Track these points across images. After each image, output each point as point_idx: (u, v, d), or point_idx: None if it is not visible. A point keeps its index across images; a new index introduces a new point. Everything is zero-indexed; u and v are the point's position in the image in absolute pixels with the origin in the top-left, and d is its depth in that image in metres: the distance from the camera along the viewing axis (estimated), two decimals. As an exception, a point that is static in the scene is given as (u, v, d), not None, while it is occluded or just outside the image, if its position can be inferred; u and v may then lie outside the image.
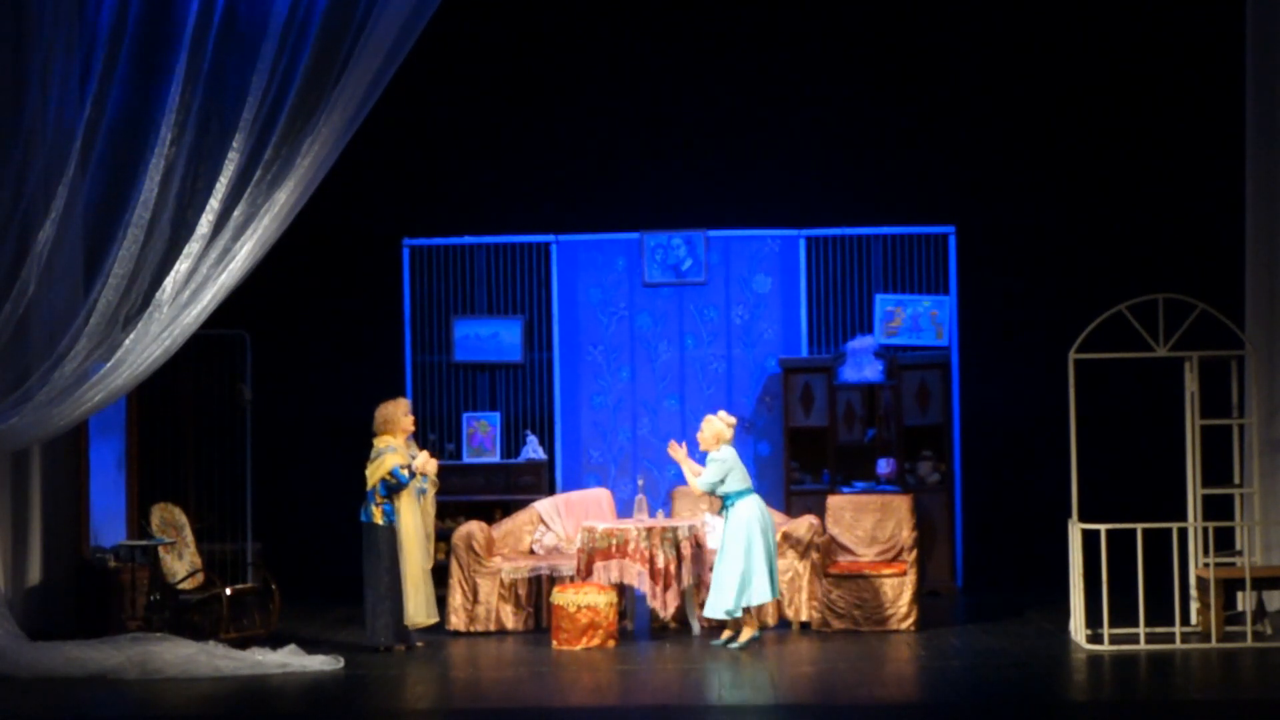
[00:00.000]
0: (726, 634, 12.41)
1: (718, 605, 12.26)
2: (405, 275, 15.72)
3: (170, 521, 13.14)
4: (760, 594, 12.23)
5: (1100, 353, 12.09)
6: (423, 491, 12.49)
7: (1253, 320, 13.00)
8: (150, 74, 12.25)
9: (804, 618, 13.01)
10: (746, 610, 12.30)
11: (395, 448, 12.35)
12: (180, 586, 12.93)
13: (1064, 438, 12.17)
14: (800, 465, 15.23)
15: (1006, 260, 15.78)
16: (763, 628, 12.61)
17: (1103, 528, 11.83)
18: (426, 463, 12.48)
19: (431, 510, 12.66)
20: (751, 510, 12.29)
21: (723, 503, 12.46)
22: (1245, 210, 13.17)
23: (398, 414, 12.49)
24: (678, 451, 12.60)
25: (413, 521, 12.36)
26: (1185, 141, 15.45)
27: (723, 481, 12.32)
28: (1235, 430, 12.63)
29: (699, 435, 12.53)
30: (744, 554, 12.20)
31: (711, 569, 13.00)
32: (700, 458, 12.68)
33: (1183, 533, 12.24)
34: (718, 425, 12.48)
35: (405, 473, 12.30)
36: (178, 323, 12.05)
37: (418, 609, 12.38)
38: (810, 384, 15.27)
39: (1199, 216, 15.23)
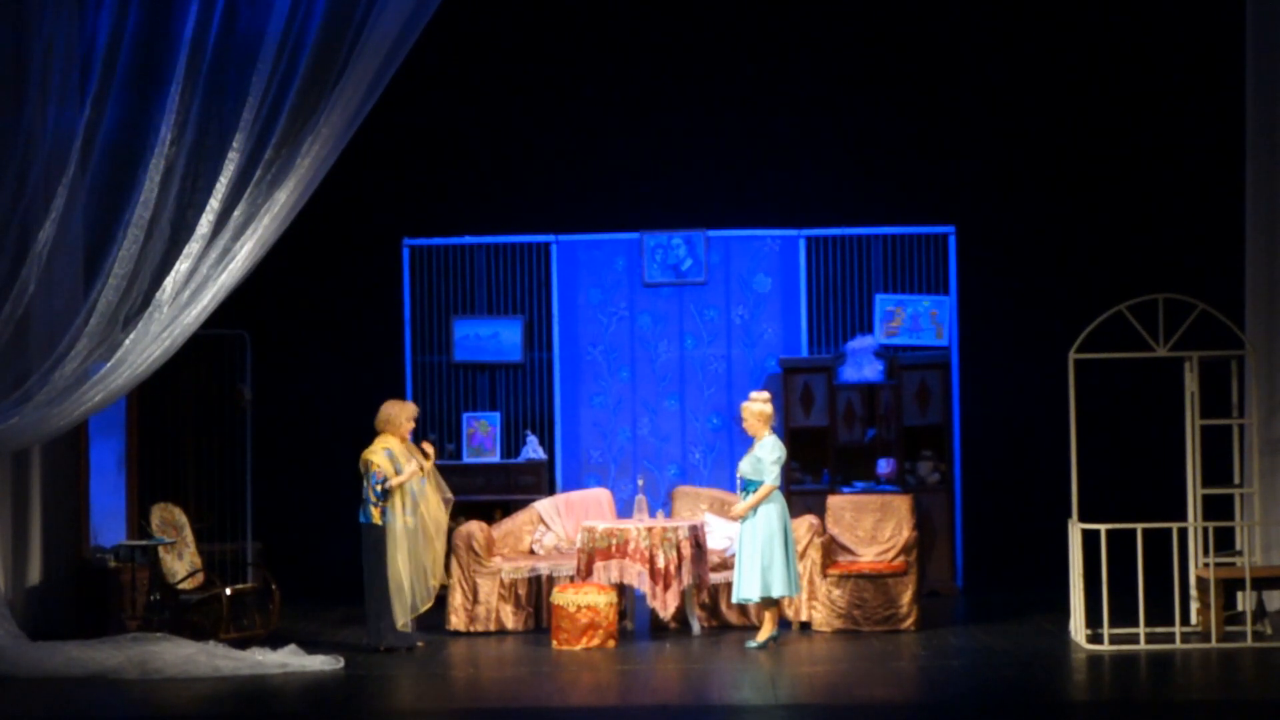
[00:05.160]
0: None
1: (742, 591, 12.23)
2: (405, 275, 15.70)
3: (170, 521, 13.14)
4: (781, 586, 12.20)
5: (1100, 353, 12.09)
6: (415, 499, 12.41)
7: (1253, 320, 13.00)
8: (150, 74, 12.25)
9: (804, 618, 13.00)
10: (771, 604, 12.29)
11: (391, 452, 12.30)
12: (180, 586, 12.93)
13: (1064, 438, 12.16)
14: (800, 465, 15.22)
15: (1006, 260, 15.78)
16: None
17: (1103, 528, 11.82)
18: (422, 465, 12.41)
19: (435, 513, 12.56)
20: (780, 500, 12.28)
21: (745, 487, 12.30)
22: (1245, 210, 13.17)
23: (400, 418, 12.43)
24: (736, 508, 12.32)
25: (406, 523, 12.29)
26: (1185, 141, 15.45)
27: (776, 464, 12.23)
28: (1235, 430, 12.62)
29: (744, 426, 12.42)
30: (767, 544, 12.16)
31: (712, 569, 13.01)
32: (722, 456, 12.50)
33: (1183, 533, 12.24)
34: (759, 407, 12.33)
35: (378, 479, 12.24)
36: (178, 323, 12.05)
37: (400, 611, 12.32)
38: (810, 384, 15.26)
39: (1199, 216, 15.23)
